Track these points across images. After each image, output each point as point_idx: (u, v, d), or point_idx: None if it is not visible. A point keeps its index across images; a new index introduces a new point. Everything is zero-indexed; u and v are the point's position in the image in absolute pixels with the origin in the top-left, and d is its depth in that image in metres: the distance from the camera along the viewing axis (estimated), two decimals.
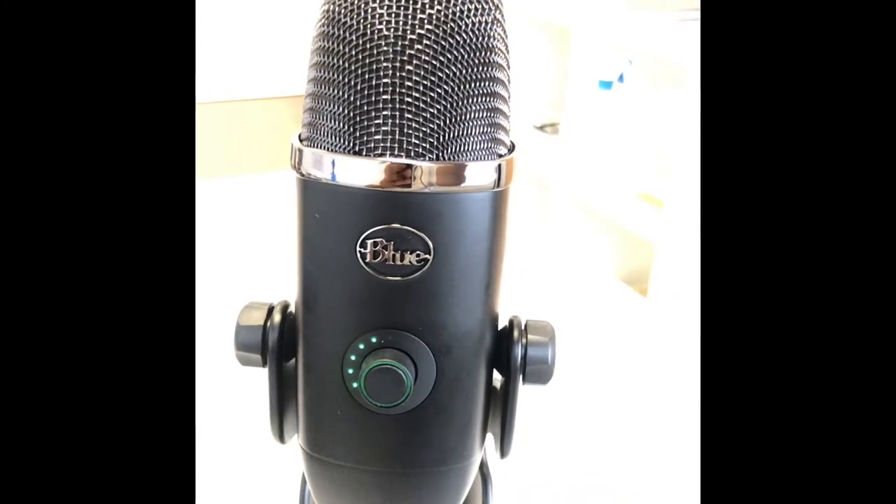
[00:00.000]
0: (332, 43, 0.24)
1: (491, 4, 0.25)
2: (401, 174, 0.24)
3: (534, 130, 1.82)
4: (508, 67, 0.26)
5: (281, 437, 0.30)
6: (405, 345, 0.26)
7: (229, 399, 0.59)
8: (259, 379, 0.29)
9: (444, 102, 0.24)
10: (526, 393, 0.29)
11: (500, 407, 0.29)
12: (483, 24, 0.24)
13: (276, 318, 0.28)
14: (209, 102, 2.01)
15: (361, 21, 0.24)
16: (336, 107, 0.25)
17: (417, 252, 0.25)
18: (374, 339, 0.26)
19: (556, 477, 0.54)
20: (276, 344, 0.28)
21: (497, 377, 0.29)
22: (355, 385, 0.26)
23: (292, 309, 0.29)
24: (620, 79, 1.54)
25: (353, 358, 0.26)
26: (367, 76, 0.24)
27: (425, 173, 0.24)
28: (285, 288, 0.29)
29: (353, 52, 0.24)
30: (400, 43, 0.24)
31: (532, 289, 0.77)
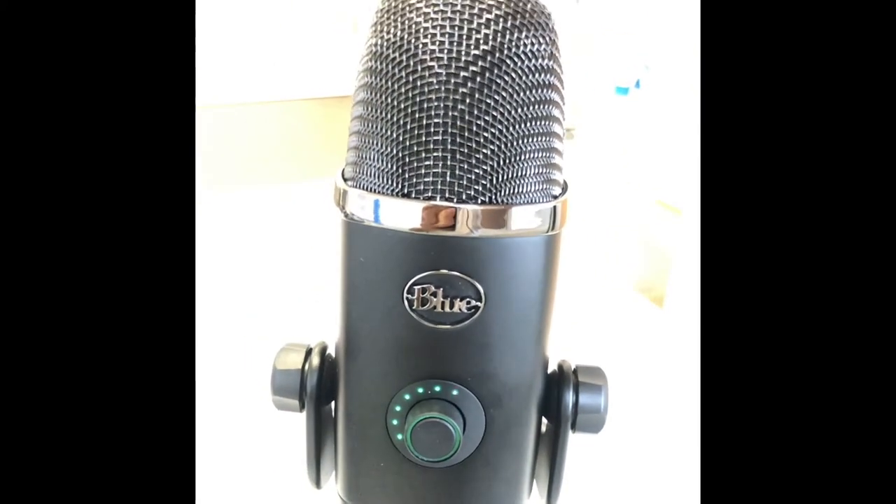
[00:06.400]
0: (379, 79, 0.23)
1: (548, 40, 0.23)
2: (445, 217, 0.23)
3: None
4: (564, 103, 0.25)
5: (318, 483, 0.28)
6: (453, 396, 0.25)
7: (230, 423, 0.58)
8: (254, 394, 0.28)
9: (497, 143, 0.23)
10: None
11: (548, 456, 0.28)
12: (539, 61, 0.23)
13: (315, 361, 0.27)
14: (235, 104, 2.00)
15: (410, 57, 0.23)
16: (383, 146, 0.23)
17: (468, 299, 0.23)
18: (420, 390, 0.24)
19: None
20: (314, 389, 0.27)
21: (544, 422, 0.28)
22: (400, 437, 0.25)
23: (331, 351, 0.27)
24: (637, 84, 1.52)
25: (397, 409, 0.25)
26: (416, 115, 0.23)
27: (471, 217, 0.23)
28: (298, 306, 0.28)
29: (402, 90, 0.23)
30: (452, 80, 0.22)
31: None
